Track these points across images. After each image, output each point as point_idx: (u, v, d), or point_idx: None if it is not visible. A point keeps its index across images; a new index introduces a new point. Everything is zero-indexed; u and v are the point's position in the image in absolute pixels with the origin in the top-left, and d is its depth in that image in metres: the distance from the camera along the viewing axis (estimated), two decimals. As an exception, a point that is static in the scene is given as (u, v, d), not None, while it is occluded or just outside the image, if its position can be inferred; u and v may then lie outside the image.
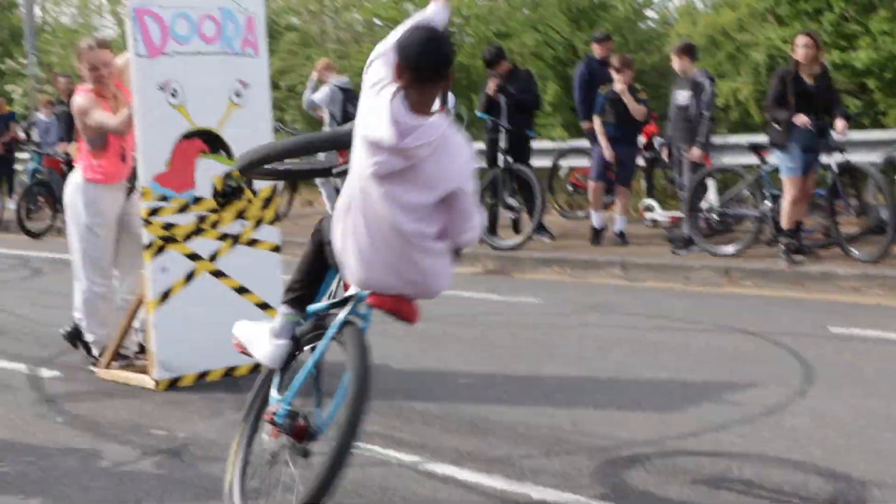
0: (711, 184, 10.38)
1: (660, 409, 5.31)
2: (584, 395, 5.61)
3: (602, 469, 4.42)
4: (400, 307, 3.70)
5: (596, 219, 11.10)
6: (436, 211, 3.56)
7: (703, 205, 10.26)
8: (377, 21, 18.28)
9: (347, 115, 12.70)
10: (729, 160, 11.62)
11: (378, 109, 3.44)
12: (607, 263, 10.06)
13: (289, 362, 4.02)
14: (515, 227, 11.42)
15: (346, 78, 12.97)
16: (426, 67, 3.43)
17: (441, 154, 3.47)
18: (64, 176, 14.66)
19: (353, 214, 3.61)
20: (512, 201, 11.09)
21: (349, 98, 12.66)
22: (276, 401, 3.84)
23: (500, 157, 10.98)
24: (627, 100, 10.71)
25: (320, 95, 12.62)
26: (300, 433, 3.71)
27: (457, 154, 3.55)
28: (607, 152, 10.87)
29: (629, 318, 7.83)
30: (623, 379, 5.97)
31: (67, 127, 14.52)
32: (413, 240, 3.55)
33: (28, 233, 14.53)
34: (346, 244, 3.65)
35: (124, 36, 22.09)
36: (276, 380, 3.98)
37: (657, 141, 11.93)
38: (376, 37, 19.02)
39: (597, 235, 11.06)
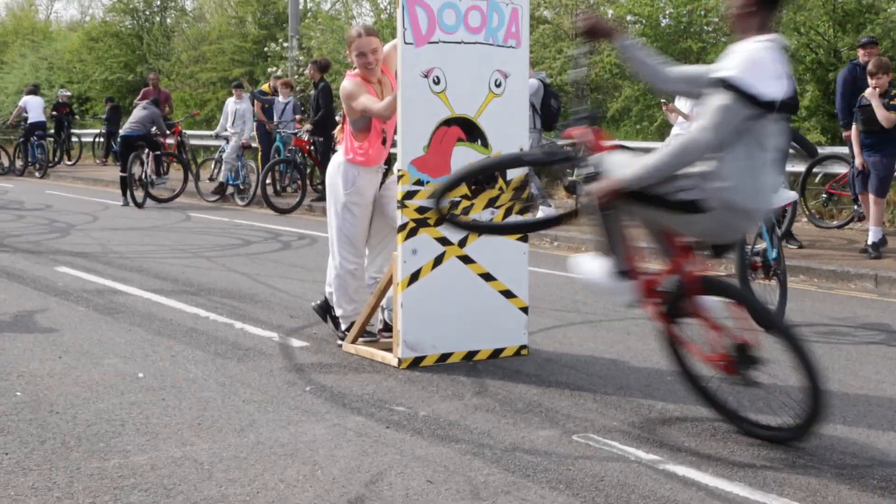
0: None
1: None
2: (832, 410, 5.39)
3: (849, 488, 4.25)
4: None
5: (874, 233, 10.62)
6: None
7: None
8: (629, 17, 18.11)
9: (548, 109, 12.87)
10: None
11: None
12: (858, 276, 9.63)
13: None
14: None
15: (544, 73, 13.30)
16: None
17: None
18: (310, 155, 15.43)
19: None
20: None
21: (549, 93, 12.83)
22: None
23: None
24: (876, 106, 10.23)
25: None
26: None
27: None
28: (858, 160, 10.44)
29: (880, 333, 7.47)
30: (873, 396, 5.71)
31: (314, 110, 15.35)
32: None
33: (275, 209, 15.18)
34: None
35: (381, 23, 22.92)
36: None
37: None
38: (627, 33, 18.92)
39: (875, 249, 10.57)
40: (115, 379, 5.77)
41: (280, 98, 16.69)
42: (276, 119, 16.45)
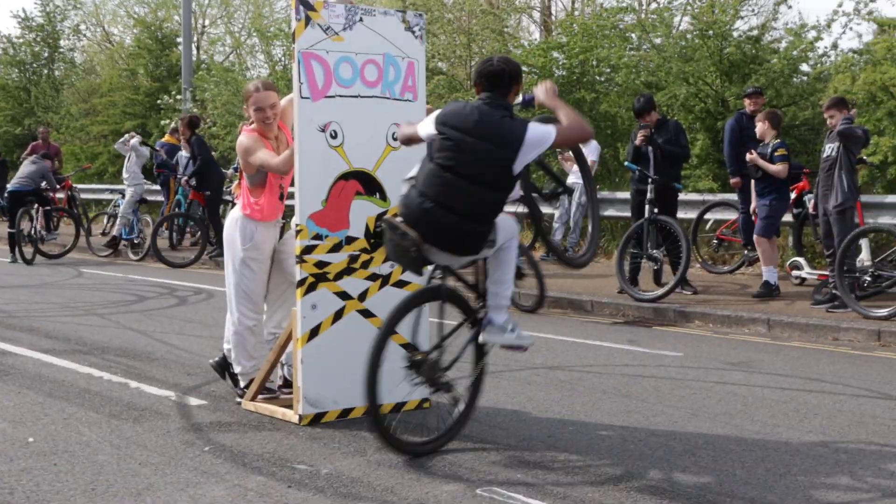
0: (865, 243, 10.10)
1: (809, 475, 5.15)
2: (731, 455, 5.48)
3: (751, 534, 4.30)
4: None
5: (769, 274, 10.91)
6: None
7: (857, 264, 10.00)
8: (524, 68, 18.38)
9: None
10: (886, 220, 11.29)
11: None
12: (751, 320, 9.85)
13: None
14: (657, 278, 11.30)
15: None
16: None
17: None
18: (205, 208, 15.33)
19: None
20: (656, 253, 10.98)
21: None
22: None
23: (646, 208, 10.89)
24: (760, 164, 10.63)
25: None
26: None
27: None
28: (753, 204, 10.79)
29: (775, 377, 7.63)
30: (770, 440, 5.81)
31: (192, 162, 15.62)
32: None
33: (167, 263, 14.96)
34: None
35: (275, 75, 22.86)
36: None
37: (807, 197, 11.67)
38: (521, 83, 19.20)
39: (771, 291, 10.87)
40: (3, 445, 5.56)
41: (183, 152, 16.56)
42: (179, 172, 16.32)
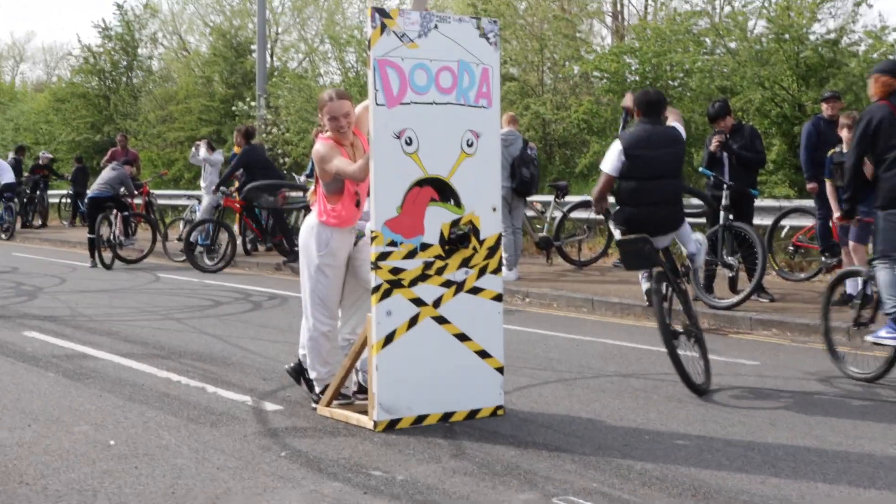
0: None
1: (894, 488, 5.05)
2: (812, 467, 5.38)
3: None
4: None
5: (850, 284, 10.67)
6: None
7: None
8: (595, 73, 18.30)
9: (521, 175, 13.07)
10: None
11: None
12: (831, 329, 9.65)
13: None
14: (732, 286, 11.15)
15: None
16: None
17: None
18: (242, 216, 15.36)
19: None
20: (731, 260, 10.84)
21: (524, 158, 13.07)
22: None
23: (722, 215, 10.76)
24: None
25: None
26: None
27: None
28: (836, 214, 10.54)
29: (855, 386, 7.49)
30: (853, 452, 5.70)
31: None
32: None
33: (199, 268, 15.30)
34: None
35: (348, 81, 23.04)
36: None
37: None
38: (593, 89, 19.10)
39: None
40: (85, 447, 5.67)
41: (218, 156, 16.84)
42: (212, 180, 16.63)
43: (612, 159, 7.36)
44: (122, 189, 16.42)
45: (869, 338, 7.66)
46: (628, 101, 7.97)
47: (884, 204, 7.56)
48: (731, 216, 10.78)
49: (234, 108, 25.42)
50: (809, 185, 11.54)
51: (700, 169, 11.63)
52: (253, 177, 15.30)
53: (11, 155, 25.62)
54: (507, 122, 13.41)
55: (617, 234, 7.57)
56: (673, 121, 7.65)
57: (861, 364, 7.78)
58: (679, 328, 7.35)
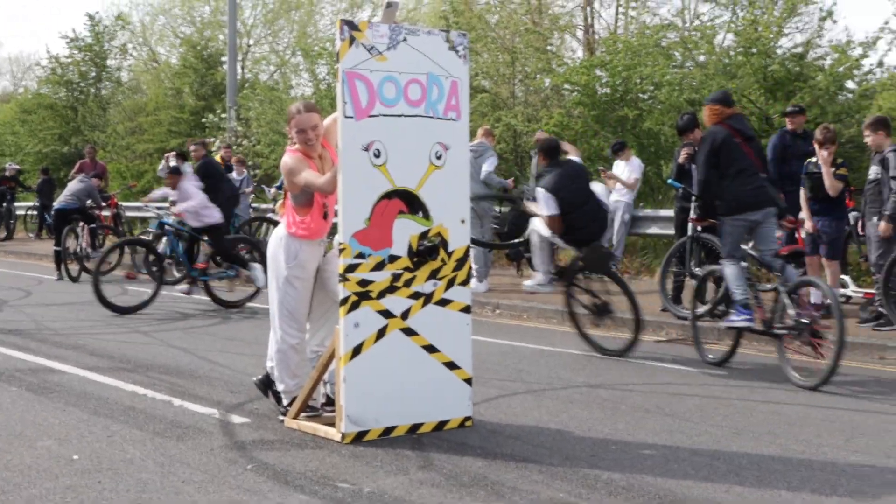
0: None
1: (856, 495, 5.08)
2: (776, 475, 5.42)
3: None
4: None
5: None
6: None
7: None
8: (567, 86, 18.38)
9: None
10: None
11: None
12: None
13: None
14: (700, 296, 11.19)
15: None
16: None
17: None
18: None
19: None
20: (699, 270, 10.88)
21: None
22: None
23: (689, 226, 10.82)
24: (826, 174, 10.48)
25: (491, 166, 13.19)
26: None
27: None
28: (808, 224, 10.66)
29: (819, 395, 7.54)
30: (816, 460, 5.74)
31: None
32: None
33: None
34: None
35: (319, 94, 23.04)
36: None
37: (852, 215, 11.55)
38: (564, 101, 19.18)
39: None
40: (48, 462, 5.61)
41: (235, 174, 16.77)
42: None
43: (549, 205, 9.18)
44: (90, 201, 16.32)
45: (722, 324, 8.88)
46: (540, 135, 9.99)
47: (727, 211, 8.56)
48: (698, 228, 10.83)
49: (204, 120, 25.36)
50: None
51: (669, 181, 11.69)
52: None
53: None
54: (482, 135, 13.47)
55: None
56: (572, 154, 9.78)
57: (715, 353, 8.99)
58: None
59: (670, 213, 13.45)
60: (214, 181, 14.09)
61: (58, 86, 32.31)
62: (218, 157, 18.11)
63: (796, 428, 6.53)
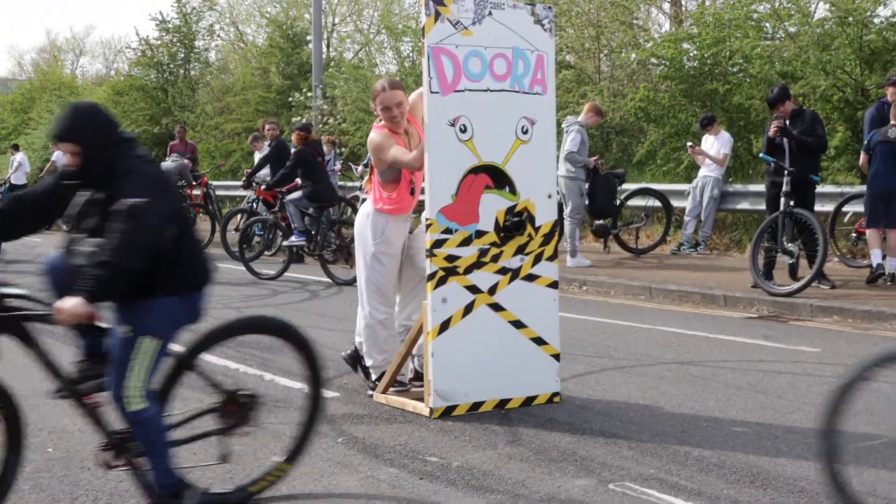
0: None
1: (958, 477, 4.96)
2: (874, 455, 5.31)
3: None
4: None
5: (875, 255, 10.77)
6: None
7: None
8: (653, 60, 18.13)
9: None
10: None
11: None
12: (893, 315, 9.51)
13: None
14: (793, 272, 11.00)
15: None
16: None
17: None
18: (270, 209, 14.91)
19: None
20: (791, 246, 10.70)
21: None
22: None
23: (782, 201, 10.62)
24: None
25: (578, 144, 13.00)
26: None
27: None
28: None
29: (919, 375, 7.35)
30: (915, 440, 5.62)
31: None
32: None
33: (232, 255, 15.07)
34: None
35: (404, 71, 23.07)
36: None
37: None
38: (650, 76, 18.93)
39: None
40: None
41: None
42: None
43: None
44: (182, 180, 16.59)
45: None
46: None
47: None
48: (791, 202, 10.63)
49: (290, 99, 25.56)
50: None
51: (760, 155, 11.48)
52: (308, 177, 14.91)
53: None
54: (587, 111, 13.35)
55: None
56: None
57: None
58: None
59: (760, 188, 13.22)
60: (284, 161, 14.31)
61: (148, 68, 32.84)
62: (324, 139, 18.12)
63: (895, 405, 6.38)
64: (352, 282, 12.34)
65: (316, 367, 4.92)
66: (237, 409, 4.55)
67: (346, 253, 12.94)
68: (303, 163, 13.28)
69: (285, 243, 13.60)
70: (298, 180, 13.37)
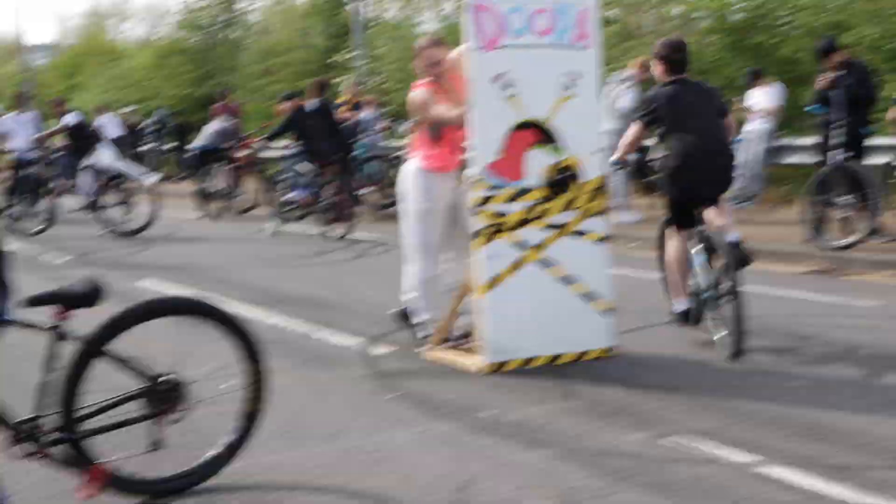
0: None
1: None
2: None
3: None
4: None
5: None
6: None
7: None
8: (699, 13, 17.87)
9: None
10: None
11: None
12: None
13: None
14: (846, 227, 10.85)
15: None
16: None
17: None
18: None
19: None
20: (843, 200, 10.55)
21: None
22: None
23: (834, 154, 10.46)
24: None
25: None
26: None
27: None
28: None
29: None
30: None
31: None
32: None
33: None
34: None
35: (444, 30, 22.94)
36: None
37: None
38: (694, 31, 18.67)
39: None
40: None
41: (364, 114, 16.87)
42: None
43: None
44: (230, 141, 16.72)
45: None
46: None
47: None
48: (843, 155, 10.47)
49: (330, 60, 25.55)
50: None
51: (807, 108, 11.32)
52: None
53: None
54: (638, 66, 13.20)
55: None
56: None
57: None
58: None
59: (810, 141, 13.03)
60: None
61: (191, 30, 32.93)
62: (346, 97, 18.15)
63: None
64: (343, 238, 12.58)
65: (249, 344, 4.53)
66: (161, 395, 4.32)
67: (338, 211, 13.30)
68: (293, 126, 14.02)
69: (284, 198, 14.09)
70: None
